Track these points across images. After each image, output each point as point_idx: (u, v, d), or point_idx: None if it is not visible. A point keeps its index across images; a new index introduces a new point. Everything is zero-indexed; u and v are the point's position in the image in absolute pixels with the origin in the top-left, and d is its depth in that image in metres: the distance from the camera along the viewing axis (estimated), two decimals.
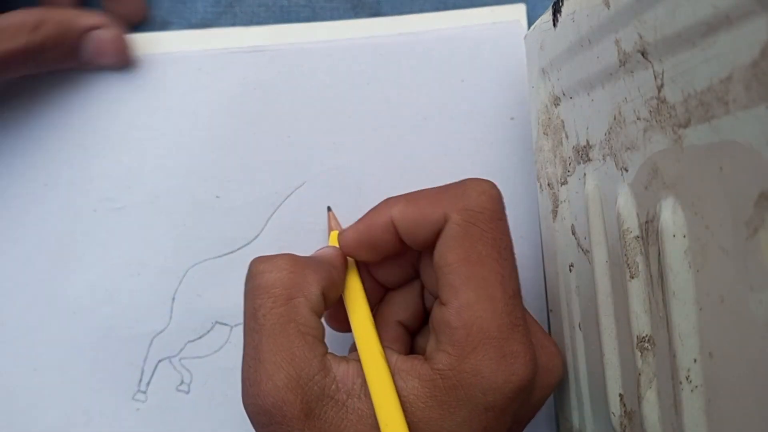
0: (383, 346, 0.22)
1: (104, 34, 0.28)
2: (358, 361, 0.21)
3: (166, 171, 0.31)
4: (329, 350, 0.22)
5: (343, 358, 0.21)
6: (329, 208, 0.30)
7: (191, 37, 0.31)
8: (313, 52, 0.31)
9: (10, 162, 0.31)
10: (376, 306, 0.25)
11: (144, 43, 0.31)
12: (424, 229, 0.22)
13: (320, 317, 0.22)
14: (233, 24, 0.32)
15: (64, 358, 0.30)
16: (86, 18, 0.28)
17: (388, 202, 0.23)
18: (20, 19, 0.26)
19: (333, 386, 0.20)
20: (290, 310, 0.21)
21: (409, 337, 0.25)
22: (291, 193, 0.31)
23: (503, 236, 0.22)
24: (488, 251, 0.21)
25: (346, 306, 0.24)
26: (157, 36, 0.31)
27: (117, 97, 0.31)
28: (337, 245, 0.24)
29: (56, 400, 0.30)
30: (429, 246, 0.22)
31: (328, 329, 0.23)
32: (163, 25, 0.32)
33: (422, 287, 0.25)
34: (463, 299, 0.20)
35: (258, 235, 0.31)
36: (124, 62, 0.30)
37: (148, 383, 0.30)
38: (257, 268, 0.22)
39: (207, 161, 0.31)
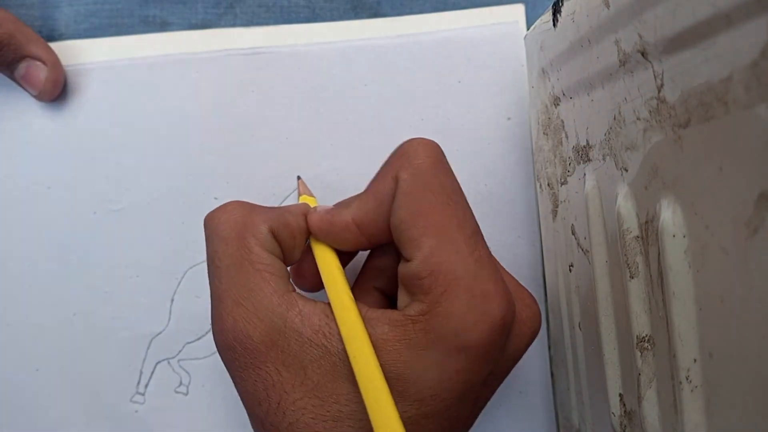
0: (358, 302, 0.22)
1: (38, 70, 0.29)
2: (328, 304, 0.21)
3: (164, 173, 0.31)
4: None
5: (312, 299, 0.22)
6: (299, 177, 0.30)
7: (191, 37, 0.31)
8: (311, 54, 0.31)
9: (13, 165, 0.31)
10: (350, 259, 0.26)
11: (144, 44, 0.31)
12: (382, 217, 0.22)
13: (277, 256, 0.22)
14: (233, 25, 0.32)
15: (64, 359, 0.30)
16: (35, 47, 0.29)
17: (346, 202, 0.23)
18: None
19: (297, 320, 0.20)
20: (242, 249, 0.21)
21: (388, 303, 0.25)
22: (289, 195, 0.31)
23: (450, 181, 0.22)
24: (438, 198, 0.21)
25: (315, 257, 0.24)
26: (156, 37, 0.31)
27: (117, 99, 0.31)
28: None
29: (56, 400, 0.30)
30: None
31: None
32: (163, 26, 0.32)
33: (398, 252, 0.25)
34: (426, 248, 0.20)
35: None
36: (45, 99, 0.30)
37: (147, 385, 0.30)
38: (209, 217, 0.23)
39: (205, 163, 0.31)
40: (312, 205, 0.25)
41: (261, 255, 0.22)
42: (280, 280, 0.21)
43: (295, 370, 0.20)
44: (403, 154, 0.22)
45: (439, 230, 0.20)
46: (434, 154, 0.22)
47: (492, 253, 0.22)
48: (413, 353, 0.20)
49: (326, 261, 0.23)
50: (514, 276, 0.24)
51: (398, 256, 0.24)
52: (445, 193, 0.21)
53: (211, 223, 0.23)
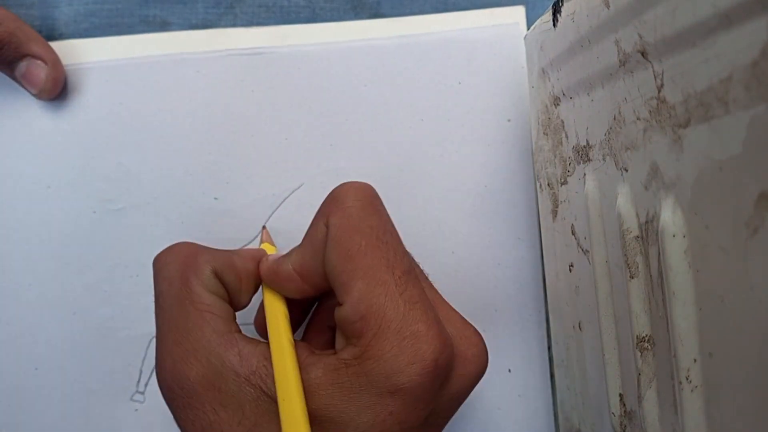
0: (302, 345, 0.22)
1: (38, 69, 0.29)
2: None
3: (164, 173, 0.31)
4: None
5: (254, 340, 0.22)
6: (264, 227, 0.30)
7: (191, 37, 0.31)
8: (311, 54, 0.31)
9: (13, 164, 0.31)
10: (309, 303, 0.26)
11: (144, 44, 0.31)
12: (319, 263, 0.22)
13: (221, 297, 0.22)
14: (234, 24, 0.32)
15: (64, 358, 0.30)
16: (35, 45, 0.29)
17: (290, 251, 0.24)
18: None
19: (236, 360, 0.21)
20: (184, 290, 0.22)
21: None
22: (289, 195, 0.31)
23: (380, 222, 0.22)
24: (367, 240, 0.21)
25: (263, 303, 0.24)
26: (156, 37, 0.31)
27: (116, 99, 0.31)
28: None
29: (55, 400, 0.30)
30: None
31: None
32: (164, 26, 0.32)
33: None
34: (355, 293, 0.20)
35: (256, 237, 0.31)
36: (45, 98, 0.30)
37: (147, 384, 0.30)
38: (156, 258, 0.23)
39: (205, 163, 0.31)
40: (270, 253, 0.25)
41: (202, 295, 0.22)
42: (221, 320, 0.21)
43: (232, 409, 0.20)
44: (333, 198, 0.22)
45: (368, 273, 0.20)
46: (364, 196, 0.22)
47: (429, 288, 0.22)
48: (346, 396, 0.20)
49: (271, 306, 0.23)
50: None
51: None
52: (375, 234, 0.21)
53: (157, 263, 0.23)
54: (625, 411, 0.21)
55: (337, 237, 0.21)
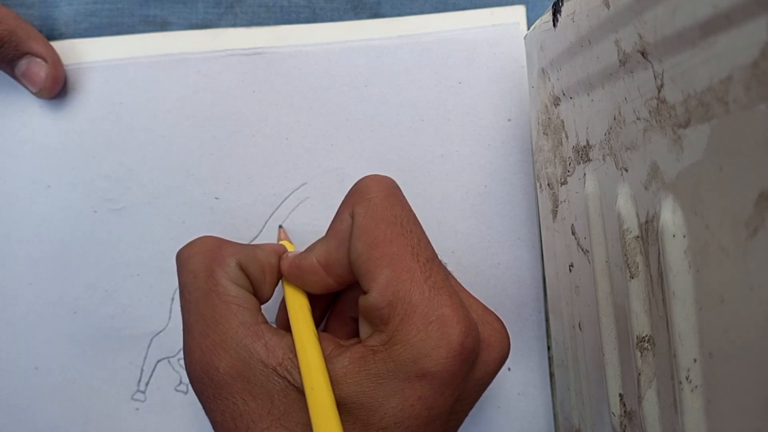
0: (327, 336, 0.22)
1: (39, 67, 0.29)
2: None
3: (165, 172, 0.31)
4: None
5: (280, 331, 0.22)
6: (281, 226, 0.31)
7: (191, 37, 0.31)
8: (311, 54, 0.31)
9: (13, 164, 0.31)
10: (330, 298, 0.26)
11: (144, 44, 0.31)
12: (343, 255, 0.22)
13: (246, 289, 0.23)
14: (234, 24, 0.32)
15: (65, 357, 0.30)
16: (35, 44, 0.29)
17: (311, 246, 0.24)
18: None
19: (263, 351, 0.21)
20: (210, 282, 0.22)
21: None
22: (289, 195, 0.31)
23: (403, 211, 0.22)
24: (392, 229, 0.21)
25: (285, 299, 0.24)
26: (156, 37, 0.31)
27: (116, 99, 0.31)
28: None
29: (56, 398, 0.30)
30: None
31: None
32: (164, 26, 0.32)
33: None
34: (381, 279, 0.21)
35: (256, 236, 0.31)
36: (45, 96, 0.30)
37: (147, 383, 0.30)
38: (180, 252, 0.24)
39: (206, 163, 0.31)
40: (289, 250, 0.25)
41: (228, 287, 0.22)
42: (248, 312, 0.22)
43: (261, 400, 0.20)
44: (357, 190, 0.23)
45: (394, 260, 0.21)
46: (387, 187, 0.23)
47: (450, 275, 0.22)
48: (374, 383, 0.20)
49: (292, 301, 0.24)
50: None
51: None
52: (399, 223, 0.22)
53: (181, 257, 0.23)
54: (625, 411, 0.21)
55: (362, 226, 0.22)
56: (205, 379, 0.21)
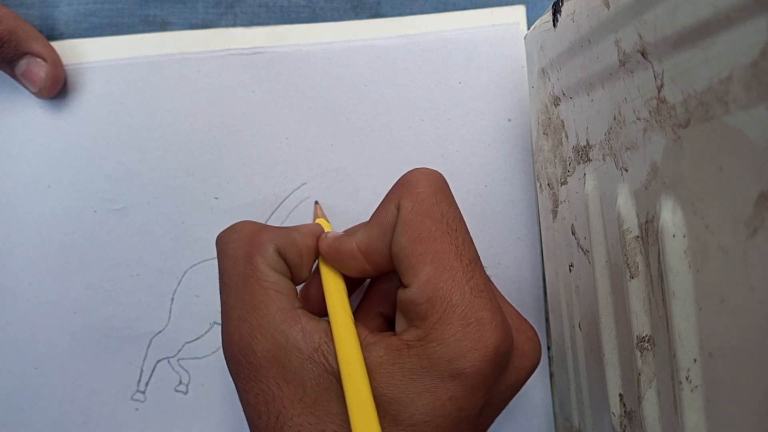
0: (360, 325, 0.22)
1: (39, 67, 0.29)
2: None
3: (165, 172, 0.31)
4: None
5: (315, 317, 0.22)
6: (316, 202, 0.30)
7: (191, 37, 0.31)
8: (311, 54, 0.31)
9: (13, 164, 0.31)
10: (360, 282, 0.26)
11: (144, 44, 0.31)
12: (385, 245, 0.22)
13: (284, 274, 0.23)
14: (234, 24, 0.32)
15: (64, 357, 0.30)
16: (35, 44, 0.29)
17: (353, 230, 0.24)
18: None
19: (299, 336, 0.21)
20: (249, 268, 0.22)
21: (390, 327, 0.25)
22: (289, 195, 0.31)
23: (449, 209, 0.22)
24: (437, 226, 0.21)
25: (321, 280, 0.24)
26: (156, 37, 0.31)
27: (116, 99, 0.31)
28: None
29: (56, 399, 0.30)
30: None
31: None
32: (164, 26, 0.32)
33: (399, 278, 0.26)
34: (423, 275, 0.21)
35: None
36: (45, 96, 0.30)
37: (147, 383, 0.30)
38: (220, 237, 0.24)
39: (206, 162, 0.31)
40: (326, 229, 0.25)
41: (267, 273, 0.22)
42: (285, 298, 0.22)
43: (294, 386, 0.20)
44: (405, 182, 0.23)
45: (437, 257, 0.21)
46: (436, 183, 0.23)
47: (490, 277, 0.22)
48: (407, 377, 0.20)
49: (331, 284, 0.24)
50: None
51: (400, 282, 0.24)
52: (445, 221, 0.22)
53: (221, 242, 0.24)
54: (625, 411, 0.21)
55: (408, 220, 0.22)
56: (242, 361, 0.21)
